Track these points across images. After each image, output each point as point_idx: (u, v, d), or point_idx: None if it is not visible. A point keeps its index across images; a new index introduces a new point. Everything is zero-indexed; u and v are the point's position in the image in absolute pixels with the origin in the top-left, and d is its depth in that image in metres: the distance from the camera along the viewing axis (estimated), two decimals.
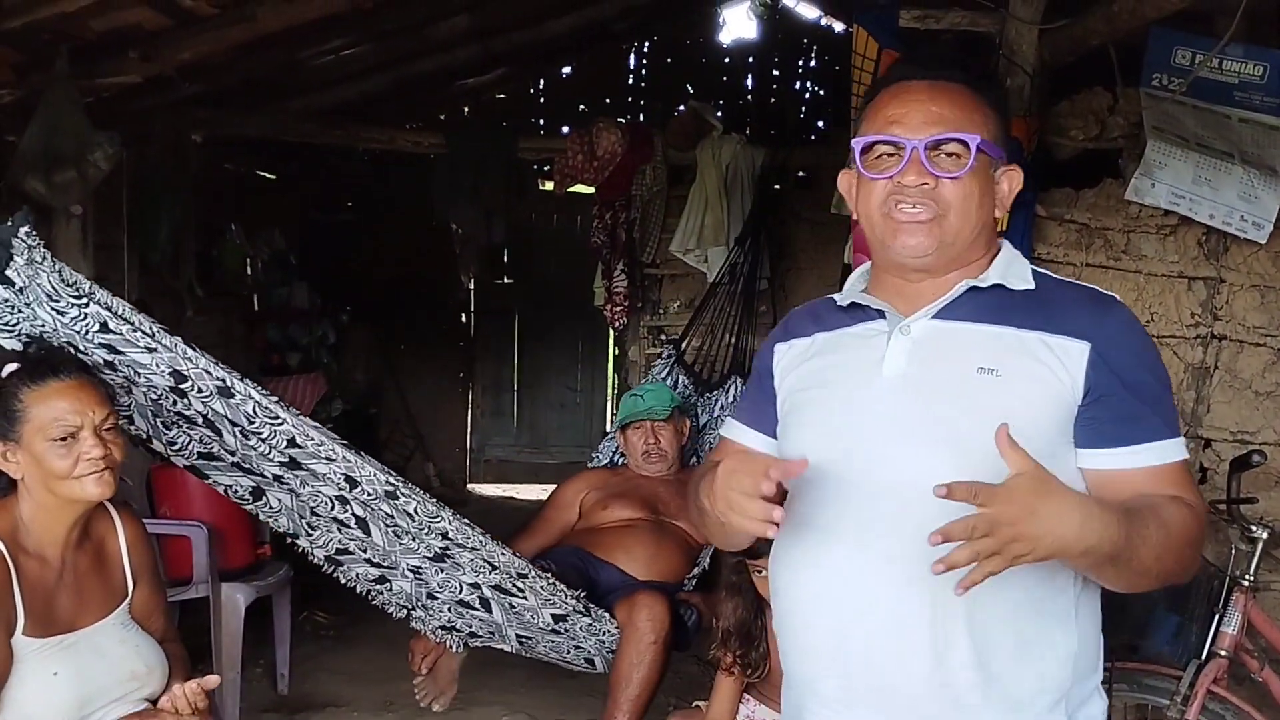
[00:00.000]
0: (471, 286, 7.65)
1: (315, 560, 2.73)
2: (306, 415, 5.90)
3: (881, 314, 1.56)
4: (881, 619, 1.45)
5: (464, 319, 7.88)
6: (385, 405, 7.68)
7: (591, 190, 4.91)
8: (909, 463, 1.43)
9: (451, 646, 3.13)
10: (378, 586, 2.87)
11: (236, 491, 2.58)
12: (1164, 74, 3.22)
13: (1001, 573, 1.24)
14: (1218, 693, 2.71)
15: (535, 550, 3.65)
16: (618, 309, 4.84)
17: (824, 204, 4.54)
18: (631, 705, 3.09)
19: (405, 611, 2.99)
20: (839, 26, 6.16)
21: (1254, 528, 2.79)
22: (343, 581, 2.82)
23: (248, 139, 5.36)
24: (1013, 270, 1.53)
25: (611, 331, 4.81)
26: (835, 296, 1.66)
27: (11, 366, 2.10)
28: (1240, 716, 2.72)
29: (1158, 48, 3.21)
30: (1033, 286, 1.52)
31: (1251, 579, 2.77)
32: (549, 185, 5.44)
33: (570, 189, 4.98)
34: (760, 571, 2.51)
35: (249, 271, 5.87)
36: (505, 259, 7.60)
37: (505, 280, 7.76)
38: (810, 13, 6.45)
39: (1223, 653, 2.74)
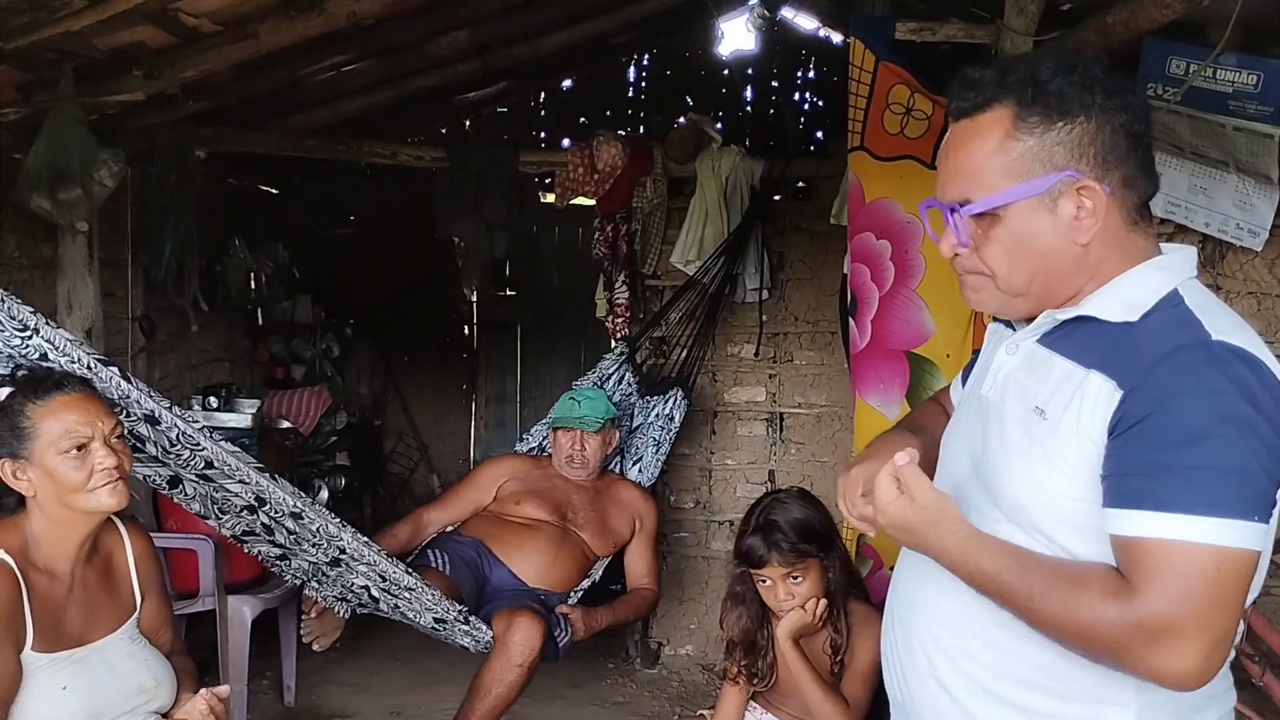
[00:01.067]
0: (474, 299, 7.68)
1: (224, 531, 2.92)
2: (311, 428, 5.95)
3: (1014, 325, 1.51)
4: (910, 641, 1.50)
5: (467, 331, 7.91)
6: (389, 417, 7.71)
7: (592, 203, 4.93)
8: (960, 496, 1.44)
9: (340, 612, 3.34)
10: (280, 562, 3.09)
11: (154, 480, 2.68)
12: (1158, 83, 3.25)
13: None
14: None
15: (443, 524, 3.87)
16: (619, 320, 4.86)
17: (823, 214, 4.56)
18: (485, 715, 3.24)
19: (301, 581, 3.22)
20: (837, 38, 6.20)
21: None
22: (246, 551, 3.01)
23: (251, 155, 5.39)
24: (1120, 298, 1.35)
25: (613, 343, 4.82)
26: None
27: (2, 392, 2.11)
28: None
29: (1152, 58, 3.24)
30: (1133, 318, 1.33)
31: None
32: (550, 198, 5.46)
33: (571, 202, 5.00)
34: (764, 581, 2.52)
35: (253, 286, 5.89)
36: (507, 272, 7.63)
37: (507, 293, 7.79)
38: (808, 25, 6.48)
39: None
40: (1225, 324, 1.30)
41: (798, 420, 4.95)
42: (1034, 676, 1.38)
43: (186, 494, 2.73)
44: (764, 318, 4.88)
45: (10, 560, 2.03)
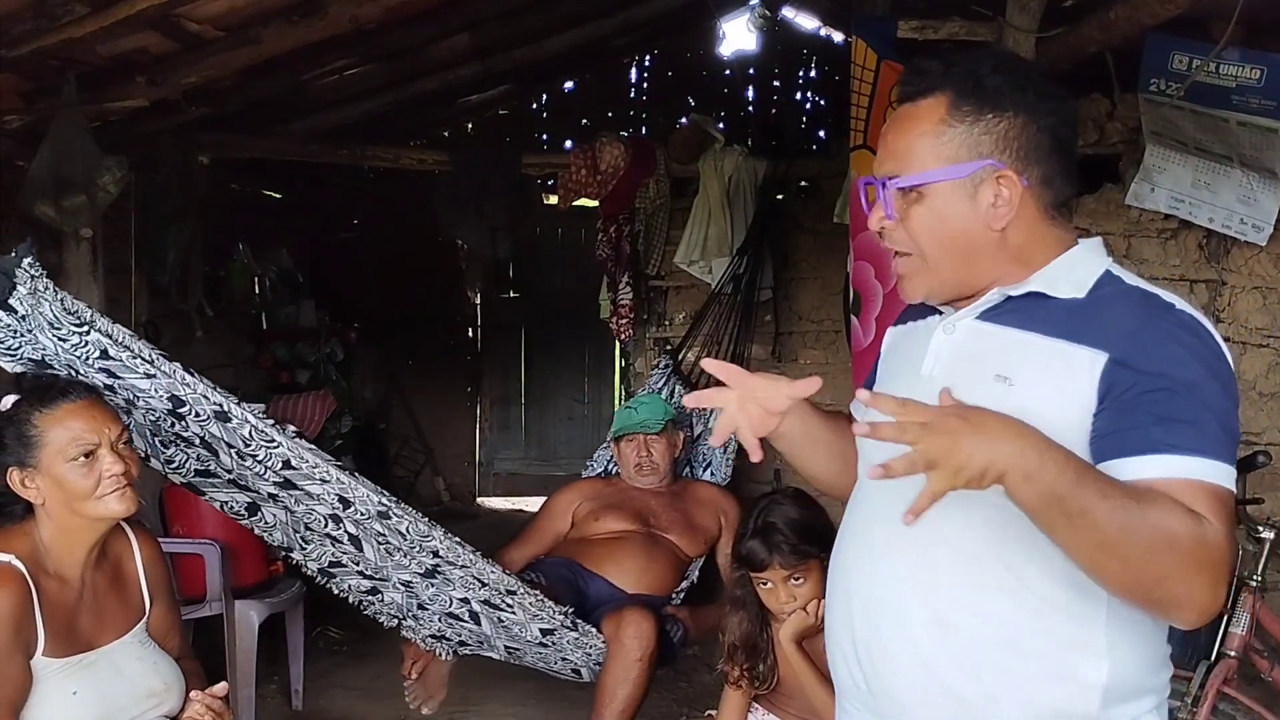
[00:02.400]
0: (478, 302, 7.68)
1: (308, 572, 2.79)
2: (315, 432, 5.96)
3: (942, 311, 1.55)
4: (878, 621, 1.48)
5: (471, 334, 7.91)
6: (394, 421, 7.71)
7: (595, 204, 4.94)
8: (911, 483, 1.41)
9: (441, 654, 3.16)
10: (370, 597, 2.93)
11: (232, 508, 2.62)
12: (1161, 79, 3.24)
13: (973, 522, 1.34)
14: (1228, 693, 2.72)
15: (527, 559, 3.70)
16: (624, 321, 4.86)
17: (826, 213, 4.56)
18: (616, 719, 3.11)
19: (396, 621, 3.05)
20: (838, 37, 6.20)
21: (1260, 528, 2.80)
22: (335, 592, 2.87)
23: (254, 160, 5.40)
24: (1066, 277, 1.44)
25: (617, 344, 4.82)
26: None
27: (10, 399, 2.11)
28: (1251, 717, 2.72)
29: (1154, 53, 3.23)
30: (1081, 295, 1.42)
31: (1259, 579, 2.78)
32: (553, 200, 5.46)
33: (574, 203, 5.01)
34: (765, 584, 2.52)
35: (257, 291, 5.90)
36: (511, 274, 7.63)
37: (511, 295, 7.79)
38: (809, 24, 6.48)
39: (1232, 653, 2.75)
40: (1173, 296, 1.42)
41: None
42: (1017, 638, 1.40)
43: (267, 522, 2.64)
44: (774, 317, 4.88)
45: (21, 566, 2.03)
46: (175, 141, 4.49)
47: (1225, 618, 2.77)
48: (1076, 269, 1.45)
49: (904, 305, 1.67)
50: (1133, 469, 1.29)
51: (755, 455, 1.46)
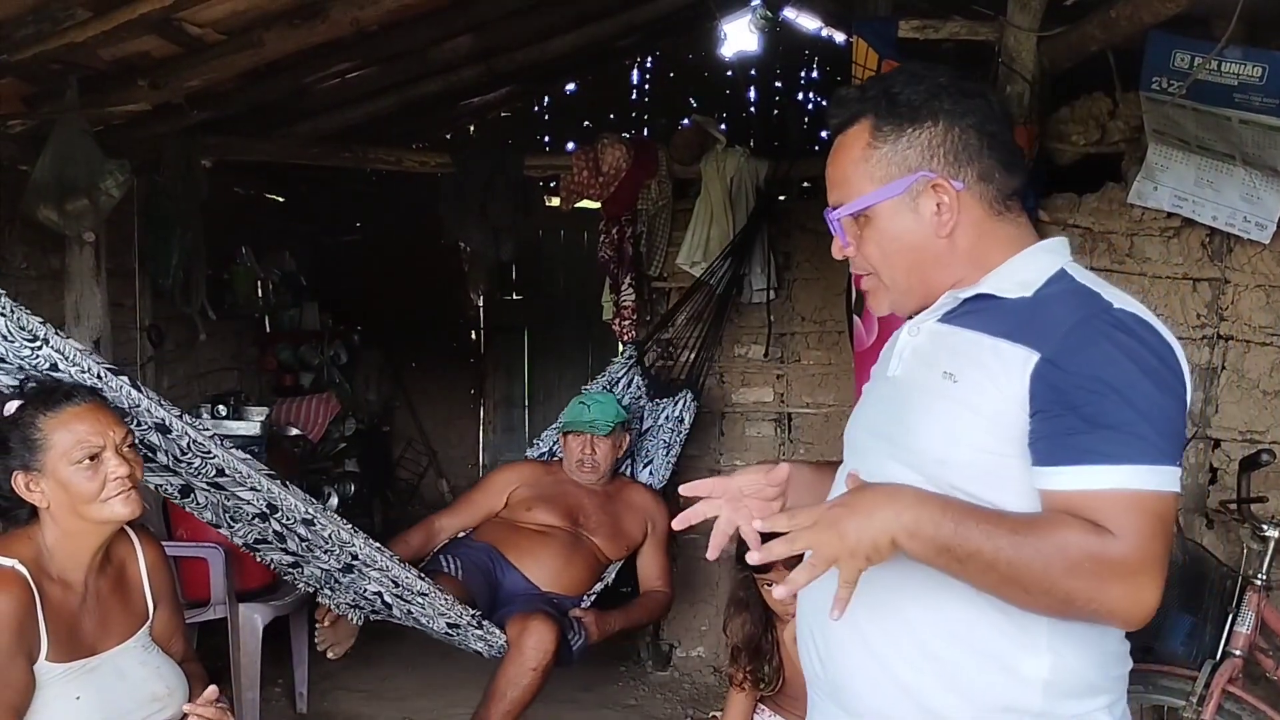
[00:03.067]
0: (481, 304, 7.68)
1: (234, 542, 2.93)
2: (319, 435, 5.95)
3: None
4: (830, 623, 1.48)
5: (474, 336, 7.92)
6: (398, 423, 7.72)
7: (597, 206, 4.94)
8: (873, 469, 1.48)
9: (352, 619, 3.35)
10: (292, 570, 3.10)
11: (166, 490, 2.68)
12: (1163, 77, 3.23)
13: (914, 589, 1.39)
14: (1233, 692, 2.72)
15: (455, 529, 3.89)
16: (626, 323, 4.86)
17: None
18: (500, 719, 3.25)
19: (314, 589, 3.23)
20: (840, 38, 6.19)
21: (1265, 526, 2.80)
22: (258, 560, 3.03)
23: (257, 163, 5.40)
24: (1014, 277, 1.46)
25: (620, 345, 4.82)
26: None
27: (14, 404, 2.12)
28: (1257, 716, 2.72)
29: (1156, 51, 3.23)
30: (1028, 294, 1.44)
31: (1264, 578, 2.77)
32: (555, 202, 5.46)
33: (576, 205, 5.01)
34: (769, 585, 2.52)
35: (260, 293, 5.90)
36: (514, 276, 7.64)
37: (514, 297, 7.79)
38: (811, 25, 6.48)
39: (1237, 652, 2.75)
40: (1118, 295, 1.43)
41: (806, 420, 4.95)
42: (960, 632, 1.43)
43: (198, 503, 2.74)
44: (771, 318, 4.88)
45: (25, 571, 2.04)
46: (178, 145, 4.49)
47: (1231, 616, 2.77)
48: (1025, 269, 1.47)
49: None
50: (1059, 480, 1.33)
51: (759, 557, 1.42)
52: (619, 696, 4.61)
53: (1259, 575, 2.77)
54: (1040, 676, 1.41)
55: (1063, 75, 3.46)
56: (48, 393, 2.12)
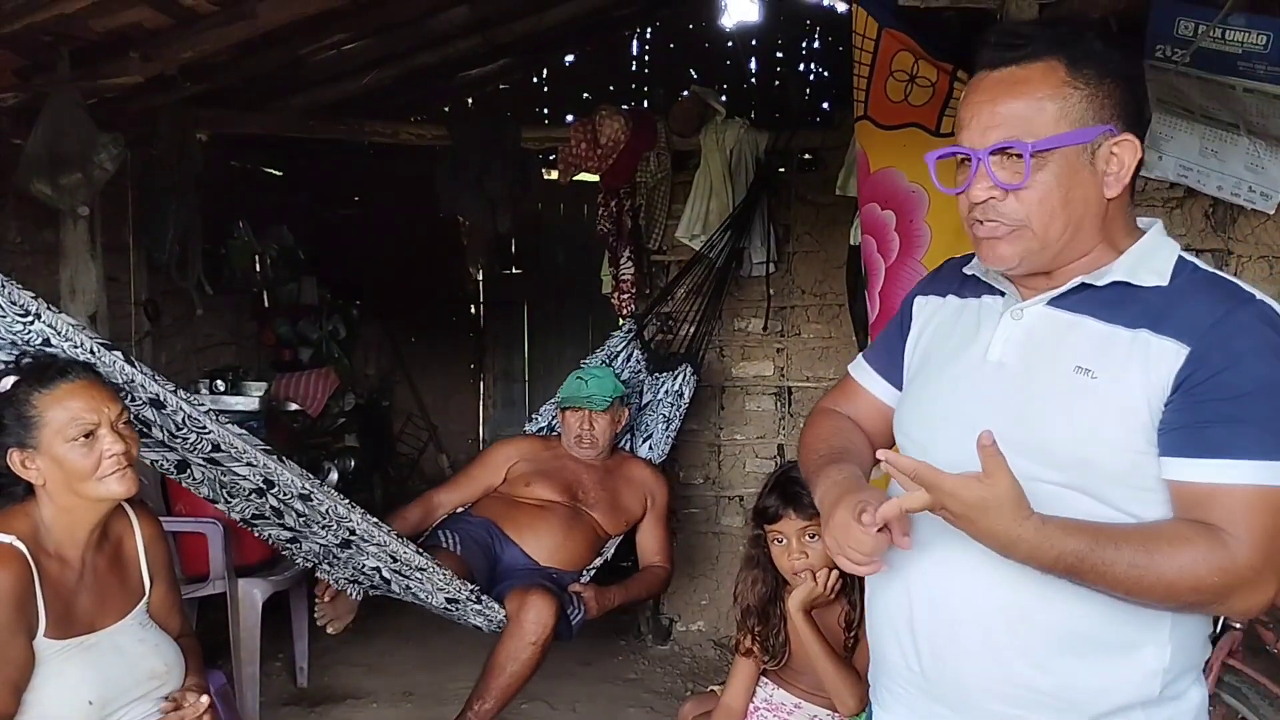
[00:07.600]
0: (480, 278, 7.66)
1: (232, 517, 2.92)
2: (319, 410, 5.93)
3: (1003, 292, 1.54)
4: (946, 610, 1.48)
5: (473, 310, 7.91)
6: (397, 398, 7.71)
7: (596, 178, 4.90)
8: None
9: (351, 594, 3.34)
10: (290, 545, 3.09)
11: (162, 465, 2.67)
12: (1167, 45, 3.19)
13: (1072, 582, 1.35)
14: (1233, 665, 2.71)
15: (454, 504, 3.88)
16: (626, 296, 4.83)
17: (828, 186, 4.52)
18: (500, 693, 3.27)
19: (313, 564, 3.22)
20: (841, 7, 6.13)
21: None
22: (256, 535, 3.02)
23: (253, 136, 5.36)
24: (1147, 264, 1.43)
25: (620, 319, 4.80)
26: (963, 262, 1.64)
27: (9, 380, 2.10)
28: (1256, 689, 2.71)
29: (1159, 19, 3.18)
30: (1164, 283, 1.41)
31: None
32: (554, 174, 5.42)
33: (575, 178, 4.97)
34: (779, 540, 2.49)
35: (258, 268, 5.87)
36: (513, 249, 7.61)
37: (513, 271, 7.77)
38: None
39: (1237, 625, 2.74)
40: (1253, 287, 1.41)
41: (806, 394, 4.93)
42: (1086, 630, 1.42)
43: (195, 479, 2.73)
44: (771, 291, 4.86)
45: (22, 547, 2.03)
46: (172, 118, 4.46)
47: None
48: (1156, 255, 1.44)
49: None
50: (1190, 471, 1.33)
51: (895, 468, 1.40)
52: (619, 671, 4.62)
53: None
54: (1161, 666, 1.42)
55: None
56: (42, 369, 2.11)
